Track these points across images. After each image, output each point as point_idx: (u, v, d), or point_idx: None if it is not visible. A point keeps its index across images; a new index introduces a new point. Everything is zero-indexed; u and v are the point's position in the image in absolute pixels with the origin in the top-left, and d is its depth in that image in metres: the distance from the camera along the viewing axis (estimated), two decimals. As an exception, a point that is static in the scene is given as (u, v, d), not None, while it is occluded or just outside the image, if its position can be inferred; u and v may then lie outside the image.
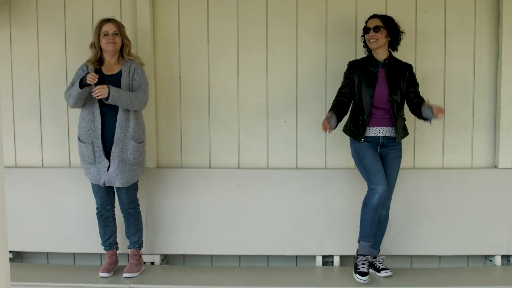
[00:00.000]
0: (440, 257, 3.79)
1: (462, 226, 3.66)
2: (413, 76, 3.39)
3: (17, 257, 3.89)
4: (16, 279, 3.21)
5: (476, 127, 3.79)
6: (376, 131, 3.31)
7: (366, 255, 3.27)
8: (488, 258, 3.77)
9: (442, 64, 3.75)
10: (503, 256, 3.68)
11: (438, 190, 3.69)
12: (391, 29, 3.29)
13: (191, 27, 3.79)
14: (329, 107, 3.72)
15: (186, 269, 3.69)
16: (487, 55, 3.75)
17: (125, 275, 3.38)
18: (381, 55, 3.32)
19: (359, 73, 3.30)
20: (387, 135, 3.31)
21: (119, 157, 3.27)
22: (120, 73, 3.32)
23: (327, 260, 3.74)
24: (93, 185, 3.40)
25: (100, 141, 3.27)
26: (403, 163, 3.76)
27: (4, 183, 1.52)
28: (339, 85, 3.68)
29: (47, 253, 3.89)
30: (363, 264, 3.25)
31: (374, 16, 3.34)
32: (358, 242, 3.31)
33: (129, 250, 3.50)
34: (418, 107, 3.27)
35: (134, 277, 3.37)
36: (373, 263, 3.42)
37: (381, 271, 3.35)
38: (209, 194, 3.72)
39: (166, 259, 3.83)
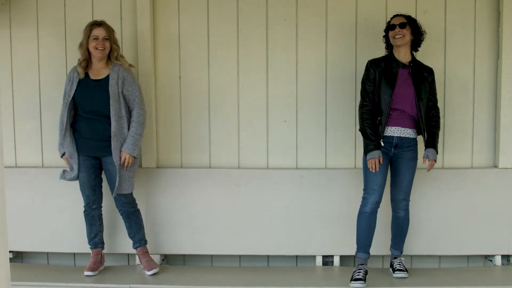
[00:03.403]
0: (440, 257, 3.79)
1: (462, 226, 3.66)
2: (434, 81, 3.36)
3: (17, 257, 3.89)
4: (16, 279, 3.22)
5: (476, 127, 3.78)
6: (391, 130, 3.26)
7: (362, 264, 3.26)
8: (488, 258, 3.77)
9: (442, 64, 3.74)
10: (503, 256, 3.68)
11: (438, 190, 3.69)
12: (414, 28, 3.28)
13: (191, 27, 3.78)
14: (329, 107, 3.73)
15: (186, 269, 3.69)
16: (487, 55, 3.74)
17: (149, 272, 3.41)
18: (403, 54, 3.27)
19: (380, 72, 3.25)
20: (401, 135, 3.27)
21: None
22: (107, 78, 3.30)
23: (327, 260, 3.74)
24: (81, 184, 3.40)
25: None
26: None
27: (4, 183, 1.52)
28: (339, 85, 3.69)
29: (47, 253, 3.89)
30: (359, 272, 3.22)
31: (398, 15, 3.32)
32: (356, 254, 3.31)
33: (137, 250, 3.50)
34: (427, 132, 3.33)
35: (158, 272, 3.42)
36: (392, 264, 3.42)
37: (395, 272, 3.35)
38: (209, 194, 3.72)
39: (166, 259, 3.83)
